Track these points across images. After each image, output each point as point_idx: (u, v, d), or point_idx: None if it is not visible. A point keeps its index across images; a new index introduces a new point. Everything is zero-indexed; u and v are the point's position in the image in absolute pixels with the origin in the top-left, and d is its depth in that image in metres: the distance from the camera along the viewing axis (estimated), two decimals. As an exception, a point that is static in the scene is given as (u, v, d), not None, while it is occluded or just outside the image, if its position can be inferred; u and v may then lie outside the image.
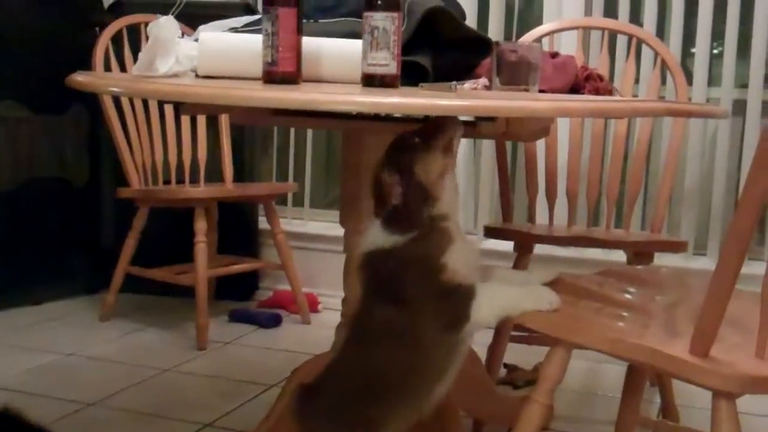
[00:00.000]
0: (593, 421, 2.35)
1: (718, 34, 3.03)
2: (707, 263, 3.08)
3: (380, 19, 1.43)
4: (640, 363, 1.34)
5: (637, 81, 2.84)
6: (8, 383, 2.45)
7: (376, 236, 1.43)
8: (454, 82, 1.48)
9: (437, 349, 1.42)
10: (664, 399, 2.28)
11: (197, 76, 1.53)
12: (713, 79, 3.09)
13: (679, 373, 1.19)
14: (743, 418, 1.22)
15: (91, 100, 3.25)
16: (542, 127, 1.82)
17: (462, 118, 1.78)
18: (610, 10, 3.12)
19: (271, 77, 1.42)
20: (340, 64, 1.55)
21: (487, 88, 1.64)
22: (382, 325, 1.41)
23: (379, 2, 1.43)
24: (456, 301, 1.39)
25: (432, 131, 1.41)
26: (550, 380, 1.38)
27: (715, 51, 3.09)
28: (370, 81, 1.44)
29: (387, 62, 1.43)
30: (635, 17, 3.11)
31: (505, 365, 2.55)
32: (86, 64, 3.05)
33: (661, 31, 3.10)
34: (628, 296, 1.53)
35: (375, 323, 1.43)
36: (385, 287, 1.43)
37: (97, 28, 3.29)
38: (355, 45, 1.48)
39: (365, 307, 1.45)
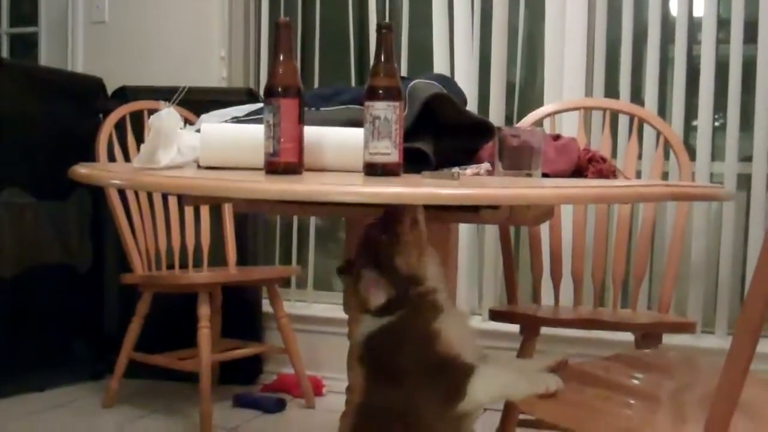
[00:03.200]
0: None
1: (719, 107, 3.04)
2: (716, 342, 3.04)
3: (381, 109, 1.44)
4: (651, 453, 1.31)
5: (639, 157, 2.85)
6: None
7: (368, 324, 1.45)
8: (456, 169, 1.49)
9: (440, 428, 1.40)
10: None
11: (199, 167, 1.54)
12: (716, 152, 3.09)
13: (692, 465, 1.17)
14: None
15: (94, 186, 3.26)
16: (546, 211, 1.81)
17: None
18: (611, 88, 3.14)
19: (273, 168, 1.43)
20: (342, 153, 1.56)
21: (490, 173, 1.65)
22: (384, 406, 1.40)
23: (381, 92, 1.45)
24: (452, 374, 1.39)
25: (393, 220, 1.43)
26: (560, 471, 1.35)
27: (716, 123, 3.10)
28: (373, 170, 1.44)
29: (389, 151, 1.44)
30: (636, 95, 3.13)
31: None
32: (89, 150, 3.07)
33: (663, 106, 3.12)
34: (635, 382, 1.51)
35: (378, 406, 1.41)
36: (382, 366, 1.44)
37: (101, 115, 3.33)
38: (357, 133, 1.49)
39: (367, 392, 1.45)
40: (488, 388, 1.40)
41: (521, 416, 2.31)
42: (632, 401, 1.38)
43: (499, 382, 1.41)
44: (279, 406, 3.18)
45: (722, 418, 1.15)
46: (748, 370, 1.12)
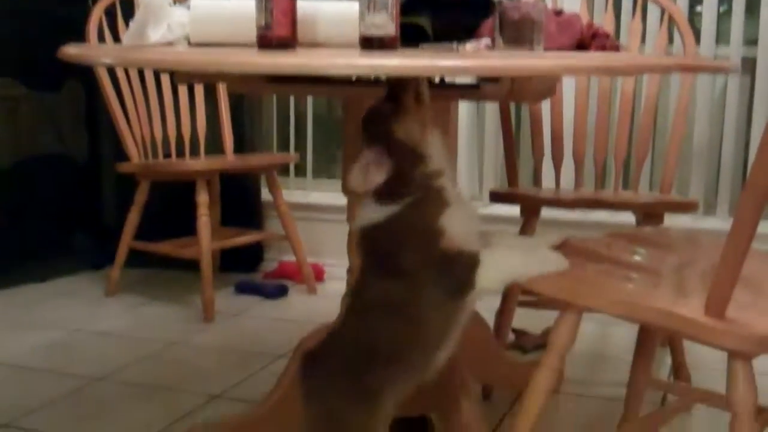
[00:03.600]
0: (604, 383, 2.33)
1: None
2: (717, 224, 3.04)
3: (378, -20, 1.38)
4: (653, 325, 1.31)
5: (643, 40, 2.78)
6: (16, 360, 2.44)
7: (370, 211, 1.41)
8: (455, 43, 1.44)
9: (437, 317, 1.39)
10: (675, 360, 2.25)
11: (190, 44, 1.49)
12: (721, 37, 3.03)
13: (694, 335, 1.16)
14: (759, 378, 1.19)
15: (87, 76, 3.20)
16: (548, 87, 1.77)
17: (464, 80, 1.75)
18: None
19: (265, 42, 1.38)
20: (337, 27, 1.50)
21: (490, 48, 1.60)
22: (381, 296, 1.39)
23: (377, -38, 1.39)
24: (458, 269, 1.36)
25: (398, 90, 1.38)
26: (561, 345, 1.35)
27: (721, 9, 3.03)
28: (369, 44, 1.39)
29: (385, 24, 1.39)
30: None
31: (514, 330, 2.53)
32: (80, 38, 3.00)
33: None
34: (637, 258, 1.50)
35: (374, 295, 1.40)
36: (383, 261, 1.40)
37: (90, 1, 3.24)
38: (352, 7, 1.44)
39: (365, 279, 1.43)
40: (497, 275, 1.38)
41: (521, 297, 2.32)
42: (634, 276, 1.37)
43: (507, 267, 1.38)
44: (281, 291, 3.20)
45: (723, 292, 1.14)
46: (750, 245, 1.11)
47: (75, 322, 2.82)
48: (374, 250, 1.42)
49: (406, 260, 1.37)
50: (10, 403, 2.12)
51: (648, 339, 1.65)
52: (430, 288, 1.36)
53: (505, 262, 1.39)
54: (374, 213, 1.40)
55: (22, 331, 2.72)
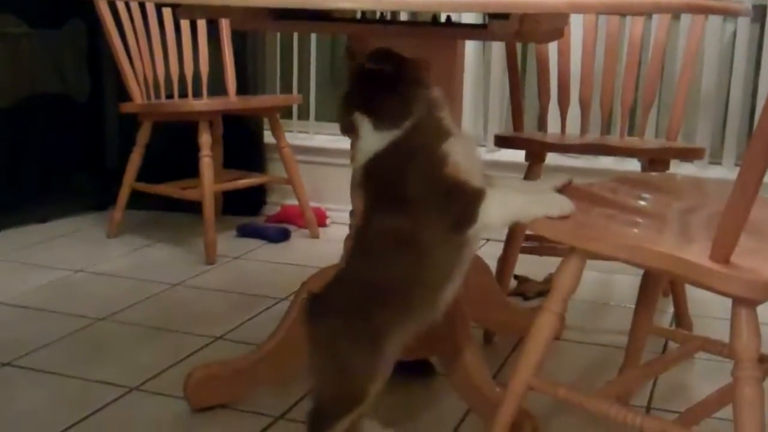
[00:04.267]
0: (605, 330, 2.33)
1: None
2: (723, 172, 3.02)
3: None
4: (657, 270, 1.30)
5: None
6: (18, 300, 2.45)
7: (371, 141, 1.38)
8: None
9: (442, 252, 1.37)
10: (678, 308, 2.25)
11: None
12: (731, -18, 2.98)
13: (698, 280, 1.15)
14: (762, 328, 1.18)
15: (89, 13, 3.16)
16: (557, 27, 1.74)
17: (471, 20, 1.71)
18: None
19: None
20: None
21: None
22: (386, 233, 1.37)
23: None
24: (462, 199, 1.34)
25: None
26: (564, 289, 1.34)
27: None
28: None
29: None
30: None
31: (516, 277, 2.53)
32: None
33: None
34: (642, 203, 1.48)
35: (379, 230, 1.38)
36: (386, 190, 1.37)
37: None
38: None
39: (369, 218, 1.41)
40: (501, 211, 1.35)
41: (523, 244, 2.31)
42: (638, 220, 1.36)
43: (512, 205, 1.36)
44: (283, 235, 3.20)
45: (729, 237, 1.13)
46: (757, 191, 1.09)
47: (77, 262, 2.83)
48: (378, 182, 1.39)
49: (411, 187, 1.34)
50: (12, 342, 2.13)
51: (651, 286, 1.64)
52: (434, 220, 1.34)
53: (509, 199, 1.37)
54: (375, 142, 1.37)
55: (24, 271, 2.72)
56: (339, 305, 1.41)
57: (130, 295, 2.51)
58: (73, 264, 2.80)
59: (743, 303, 1.15)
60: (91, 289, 2.58)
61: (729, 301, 1.17)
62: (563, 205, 1.34)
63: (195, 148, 2.89)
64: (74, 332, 2.22)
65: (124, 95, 3.09)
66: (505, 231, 2.27)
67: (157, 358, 2.06)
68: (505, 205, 1.35)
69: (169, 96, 3.18)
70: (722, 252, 1.13)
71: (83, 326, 2.27)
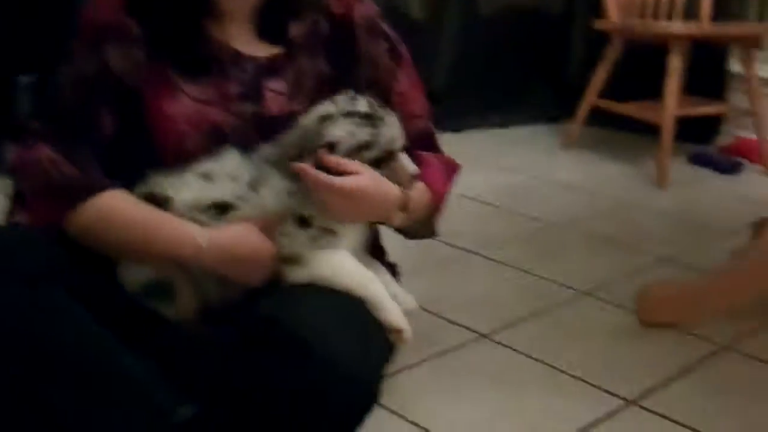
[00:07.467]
0: None
1: None
2: None
3: None
4: None
5: None
6: (484, 197, 2.67)
7: None
8: None
9: None
10: None
11: None
12: None
13: None
14: None
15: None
16: None
17: None
18: None
19: None
20: None
21: None
22: None
23: None
24: None
25: None
26: None
27: None
28: None
29: None
30: None
31: None
32: None
33: None
34: None
35: None
36: None
37: None
38: None
39: None
40: None
41: None
42: None
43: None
44: (735, 168, 3.12)
45: None
46: None
47: (533, 168, 3.01)
48: None
49: None
50: (478, 234, 2.35)
51: None
52: None
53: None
54: None
55: (485, 171, 2.92)
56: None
57: (582, 206, 2.64)
58: (529, 170, 2.99)
59: None
60: (546, 195, 2.75)
61: None
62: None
63: (658, 71, 2.89)
64: (532, 232, 2.40)
65: (597, 11, 3.16)
66: None
67: (605, 269, 2.16)
68: None
69: (641, 16, 3.18)
70: None
71: (540, 228, 2.44)
